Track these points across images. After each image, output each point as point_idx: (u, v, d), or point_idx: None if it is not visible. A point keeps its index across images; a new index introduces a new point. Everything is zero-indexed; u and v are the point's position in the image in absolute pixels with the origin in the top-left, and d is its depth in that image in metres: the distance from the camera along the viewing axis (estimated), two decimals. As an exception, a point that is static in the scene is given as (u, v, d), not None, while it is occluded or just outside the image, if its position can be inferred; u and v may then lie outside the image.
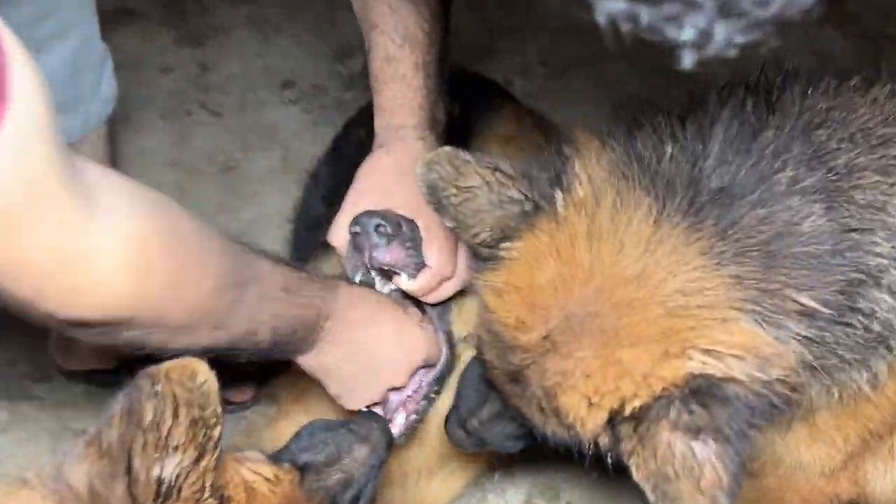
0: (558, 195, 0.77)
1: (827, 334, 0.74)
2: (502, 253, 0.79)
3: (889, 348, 0.79)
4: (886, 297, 0.76)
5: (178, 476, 0.62)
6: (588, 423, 0.74)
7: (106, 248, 0.63)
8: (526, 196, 0.79)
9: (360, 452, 0.83)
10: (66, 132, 1.14)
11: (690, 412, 0.68)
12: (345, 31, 2.20)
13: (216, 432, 0.63)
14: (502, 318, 0.79)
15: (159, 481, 0.60)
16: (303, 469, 0.76)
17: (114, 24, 2.08)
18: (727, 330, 0.71)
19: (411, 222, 1.03)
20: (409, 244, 1.02)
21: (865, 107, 0.81)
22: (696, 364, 0.70)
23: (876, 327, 0.77)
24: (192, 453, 0.62)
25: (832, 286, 0.73)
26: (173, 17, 2.10)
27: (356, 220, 1.00)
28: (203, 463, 0.63)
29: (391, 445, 0.91)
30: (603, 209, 0.74)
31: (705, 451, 0.67)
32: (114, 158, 1.46)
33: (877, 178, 0.75)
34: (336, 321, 0.93)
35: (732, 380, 0.69)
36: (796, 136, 0.76)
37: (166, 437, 0.60)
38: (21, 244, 0.58)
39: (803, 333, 0.73)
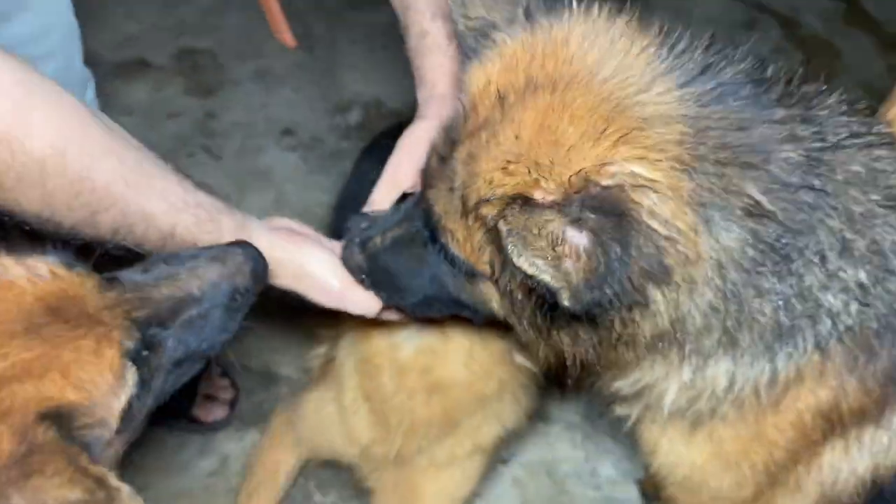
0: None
1: (759, 268, 0.76)
2: (494, 37, 0.84)
3: (797, 346, 0.82)
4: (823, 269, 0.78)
5: None
6: (495, 190, 0.74)
7: None
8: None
9: (209, 271, 0.76)
10: None
11: (585, 211, 0.68)
12: (344, 86, 2.33)
13: None
14: (474, 83, 0.82)
15: None
16: (112, 279, 0.70)
17: (129, 74, 2.25)
18: (663, 170, 0.71)
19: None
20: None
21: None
22: (617, 168, 0.70)
23: (798, 306, 0.79)
24: None
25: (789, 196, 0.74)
26: (186, 68, 2.26)
27: (349, 219, 1.00)
28: None
29: (262, 272, 0.85)
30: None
31: (580, 239, 0.68)
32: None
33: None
34: None
35: (639, 206, 0.69)
36: None
37: None
38: None
39: (738, 236, 0.74)
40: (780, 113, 0.79)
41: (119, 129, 0.88)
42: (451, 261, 0.85)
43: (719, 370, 0.84)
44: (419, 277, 0.91)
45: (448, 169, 0.82)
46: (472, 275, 0.85)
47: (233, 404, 1.56)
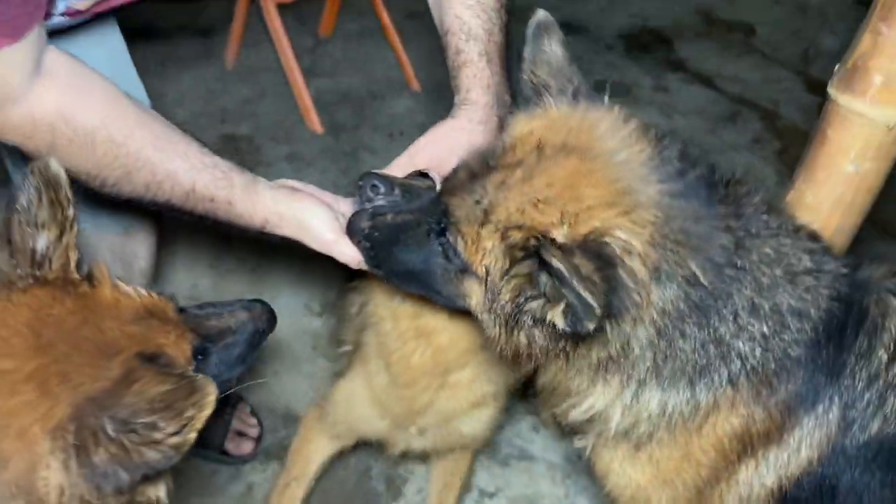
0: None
1: (687, 319, 0.97)
2: (546, 99, 1.07)
3: (713, 381, 1.02)
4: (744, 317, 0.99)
5: (47, 249, 0.81)
6: (525, 219, 0.94)
7: (18, 102, 0.96)
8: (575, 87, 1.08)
9: (241, 315, 1.03)
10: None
11: (591, 257, 0.89)
12: (364, 167, 2.62)
13: (70, 212, 0.82)
14: (518, 128, 1.04)
15: (33, 252, 0.80)
16: (182, 309, 0.93)
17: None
18: (642, 242, 0.93)
19: (423, 192, 1.16)
20: (399, 197, 1.14)
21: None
22: (620, 233, 0.92)
23: (713, 349, 1.00)
24: (55, 230, 0.82)
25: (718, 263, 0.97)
26: (228, 151, 2.57)
27: (361, 176, 1.15)
28: (65, 240, 0.81)
29: (274, 323, 1.09)
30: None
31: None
32: (163, 256, 1.84)
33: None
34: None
35: (623, 262, 0.91)
36: None
37: (35, 216, 0.80)
38: None
39: (676, 294, 0.96)
40: (721, 210, 1.02)
41: (150, 109, 1.09)
42: (449, 256, 1.04)
43: (653, 396, 1.05)
44: (413, 257, 1.07)
45: (477, 186, 1.00)
46: (463, 271, 1.04)
47: (258, 440, 1.78)
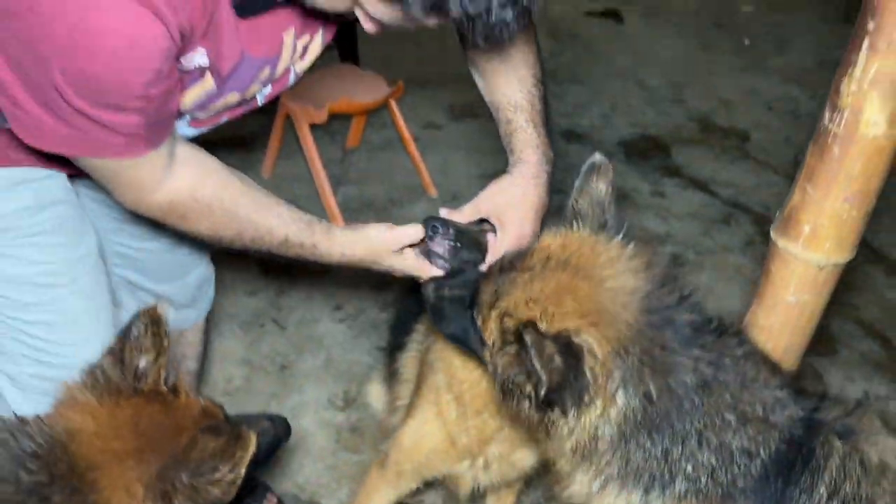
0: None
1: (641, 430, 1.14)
2: (577, 221, 1.28)
3: (664, 489, 1.17)
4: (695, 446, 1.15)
5: (147, 367, 1.07)
6: (517, 312, 1.15)
7: (158, 190, 1.23)
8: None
9: (265, 424, 1.25)
10: (188, 320, 1.78)
11: (561, 349, 1.09)
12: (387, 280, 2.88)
13: (165, 343, 1.07)
14: (544, 240, 1.26)
15: (136, 369, 1.06)
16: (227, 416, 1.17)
17: (217, 259, 2.83)
18: (604, 352, 1.11)
19: (477, 236, 1.44)
20: (457, 244, 1.41)
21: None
22: (585, 336, 1.11)
23: (662, 463, 1.15)
24: (153, 355, 1.07)
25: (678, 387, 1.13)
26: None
27: (425, 219, 1.42)
28: (160, 361, 1.07)
29: (289, 434, 1.32)
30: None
31: (558, 363, 1.08)
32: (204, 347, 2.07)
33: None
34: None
35: (586, 359, 1.10)
36: None
37: (141, 343, 1.07)
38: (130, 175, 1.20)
39: (637, 405, 1.13)
40: (696, 353, 1.17)
41: (248, 179, 1.36)
42: (476, 327, 1.26)
43: (617, 493, 1.23)
44: (458, 323, 1.32)
45: (501, 277, 1.22)
46: (482, 342, 1.25)
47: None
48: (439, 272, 1.43)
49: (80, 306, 1.41)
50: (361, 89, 3.15)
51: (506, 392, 1.21)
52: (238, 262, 2.82)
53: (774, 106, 4.23)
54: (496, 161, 3.50)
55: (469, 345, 1.33)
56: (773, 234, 1.30)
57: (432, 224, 1.41)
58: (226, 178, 1.31)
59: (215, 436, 1.01)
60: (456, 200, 3.29)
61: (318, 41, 1.40)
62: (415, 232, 1.41)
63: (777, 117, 4.11)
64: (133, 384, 1.05)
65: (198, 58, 1.16)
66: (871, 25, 1.06)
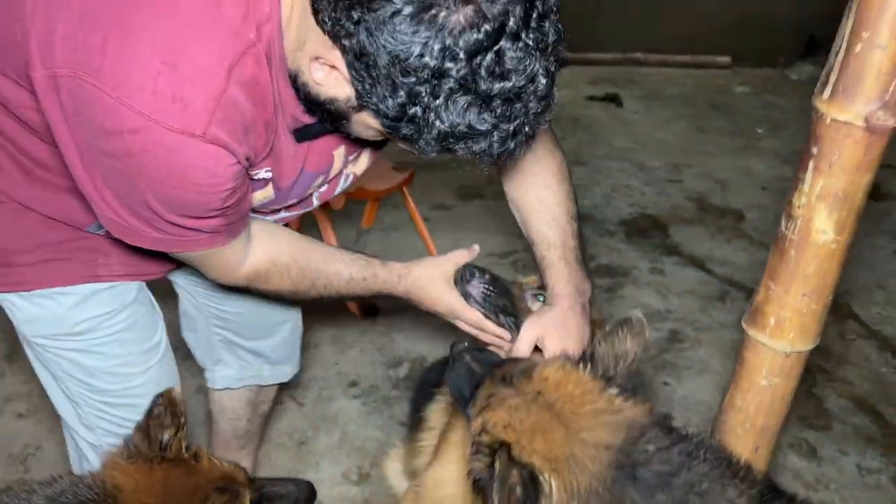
0: None
1: None
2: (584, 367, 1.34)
3: None
4: None
5: (169, 440, 1.28)
6: (495, 429, 1.24)
7: (243, 265, 1.44)
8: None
9: (290, 487, 1.47)
10: (284, 375, 2.14)
11: (519, 476, 1.18)
12: (398, 346, 3.04)
13: (182, 420, 1.28)
14: (546, 368, 1.33)
15: (161, 441, 1.27)
16: (252, 480, 1.35)
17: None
18: (568, 494, 1.19)
19: (510, 287, 1.62)
20: (491, 291, 1.56)
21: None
22: (547, 476, 1.19)
23: None
24: (173, 429, 1.28)
25: None
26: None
27: (464, 265, 1.60)
28: (179, 435, 1.27)
29: (314, 498, 1.48)
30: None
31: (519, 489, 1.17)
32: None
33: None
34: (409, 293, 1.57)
35: (546, 495, 1.18)
36: None
37: (163, 420, 1.28)
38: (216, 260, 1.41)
39: None
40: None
41: (310, 237, 1.57)
42: (472, 403, 1.35)
43: None
44: (462, 383, 1.43)
45: (500, 386, 1.30)
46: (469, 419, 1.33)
47: None
48: (477, 314, 1.57)
49: (149, 389, 1.57)
50: (376, 177, 3.37)
51: (473, 484, 1.31)
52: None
53: (768, 186, 4.42)
54: (501, 240, 3.73)
55: (464, 408, 1.41)
56: (744, 325, 1.46)
57: (470, 268, 1.58)
58: (294, 240, 1.52)
59: (222, 493, 1.27)
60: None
61: (364, 156, 1.59)
62: (463, 252, 1.63)
63: (770, 197, 4.30)
64: (159, 454, 1.27)
65: (262, 173, 1.36)
66: (814, 150, 1.25)
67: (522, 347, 1.58)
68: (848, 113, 1.18)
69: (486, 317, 1.59)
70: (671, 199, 4.23)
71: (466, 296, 1.58)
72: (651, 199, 4.23)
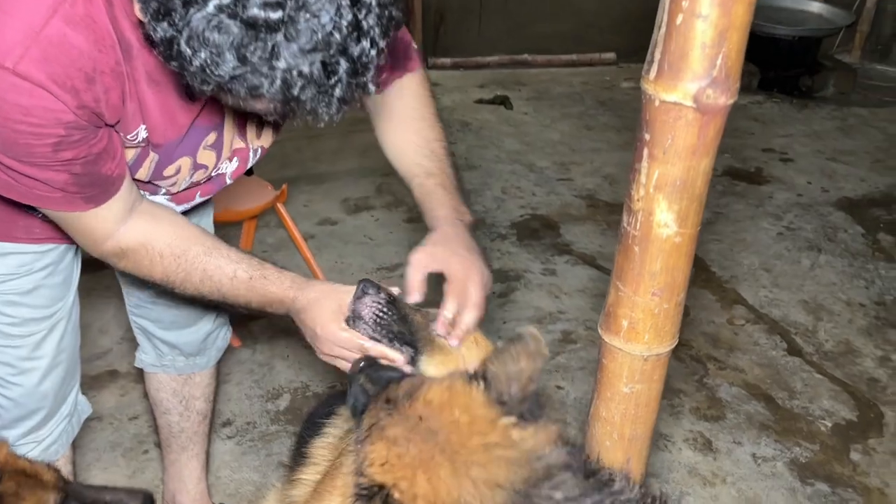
0: None
1: None
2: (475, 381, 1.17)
3: None
4: None
5: None
6: (373, 466, 1.08)
7: (109, 239, 1.35)
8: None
9: (121, 494, 1.26)
10: (197, 366, 2.06)
11: None
12: (279, 376, 2.83)
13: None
14: (431, 390, 1.15)
15: None
16: (66, 481, 1.19)
17: (101, 383, 2.74)
18: None
19: (410, 312, 1.37)
20: (385, 314, 1.34)
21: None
22: None
23: None
24: None
25: None
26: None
27: (360, 280, 1.36)
28: None
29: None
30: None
31: None
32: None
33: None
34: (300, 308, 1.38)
35: None
36: None
37: None
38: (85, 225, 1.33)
39: None
40: None
41: (206, 230, 1.46)
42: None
43: None
44: (357, 400, 1.26)
45: (383, 414, 1.13)
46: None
47: None
48: (370, 351, 1.34)
49: (29, 353, 1.59)
50: (244, 195, 3.16)
51: None
52: (119, 388, 2.73)
53: (656, 178, 4.44)
54: (390, 252, 3.57)
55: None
56: (599, 330, 1.35)
57: (365, 284, 1.35)
58: (178, 226, 1.40)
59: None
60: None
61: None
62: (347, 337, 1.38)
63: (659, 188, 4.31)
64: None
65: (142, 132, 1.28)
66: (646, 136, 1.14)
67: (413, 283, 1.42)
68: (676, 92, 1.08)
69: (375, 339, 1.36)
70: (561, 198, 4.18)
71: (354, 317, 1.35)
72: (542, 199, 4.17)
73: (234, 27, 0.99)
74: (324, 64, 1.04)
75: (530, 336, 1.24)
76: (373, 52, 1.07)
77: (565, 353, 2.97)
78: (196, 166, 1.46)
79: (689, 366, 2.93)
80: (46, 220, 1.42)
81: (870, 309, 3.26)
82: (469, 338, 1.43)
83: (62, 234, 1.44)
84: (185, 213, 1.60)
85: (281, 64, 1.02)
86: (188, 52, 1.01)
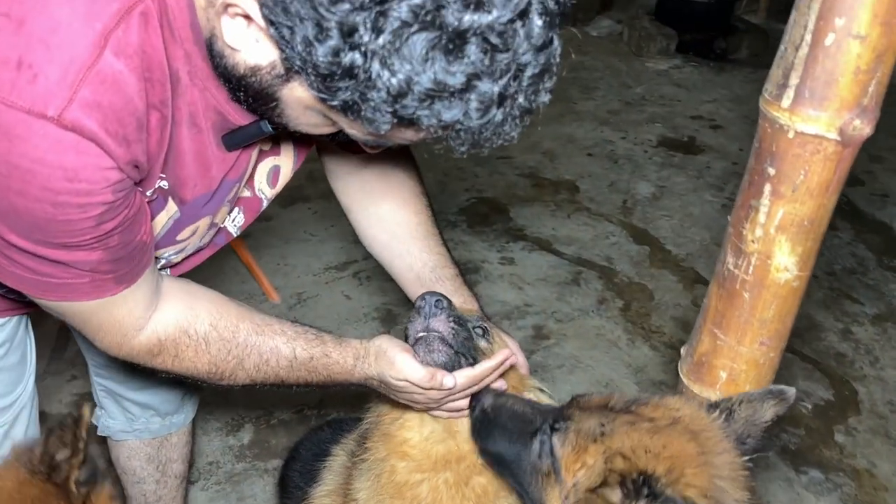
0: None
1: None
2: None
3: None
4: None
5: (62, 461, 1.02)
6: (637, 460, 1.00)
7: (143, 331, 1.10)
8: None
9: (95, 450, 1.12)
10: (175, 425, 1.75)
11: None
12: (236, 405, 2.54)
13: (81, 445, 1.02)
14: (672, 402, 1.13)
15: (52, 459, 1.02)
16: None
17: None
18: None
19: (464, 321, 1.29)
20: (456, 322, 1.25)
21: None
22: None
23: None
24: (68, 452, 1.01)
25: None
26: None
27: (422, 295, 1.26)
28: (74, 461, 1.02)
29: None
30: None
31: None
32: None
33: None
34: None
35: None
36: None
37: (63, 438, 1.02)
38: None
39: None
40: None
41: (247, 305, 1.23)
42: (542, 455, 1.10)
43: None
44: (509, 445, 1.16)
45: (608, 415, 1.08)
46: (548, 474, 1.09)
47: None
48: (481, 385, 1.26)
49: None
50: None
51: None
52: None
53: (593, 152, 4.35)
54: (336, 248, 3.29)
55: (511, 469, 1.17)
56: (685, 380, 1.20)
57: (432, 296, 1.25)
58: (220, 304, 1.17)
59: None
60: (303, 303, 3.01)
61: (287, 164, 1.25)
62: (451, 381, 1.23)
63: (597, 163, 4.23)
64: (45, 471, 1.04)
65: (158, 183, 1.04)
66: (770, 170, 0.97)
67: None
68: (818, 123, 0.92)
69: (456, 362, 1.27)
70: (505, 178, 4.02)
71: (428, 336, 1.24)
72: (485, 180, 3.99)
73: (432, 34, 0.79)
74: (531, 76, 0.85)
75: (788, 395, 1.15)
76: (558, 49, 0.87)
77: (541, 351, 2.83)
78: (211, 226, 1.22)
79: (665, 354, 2.87)
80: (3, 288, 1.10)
81: (822, 280, 3.31)
82: (500, 340, 1.41)
83: (20, 302, 1.13)
84: None
85: (493, 88, 0.83)
86: (385, 74, 0.80)
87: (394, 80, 0.80)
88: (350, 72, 0.80)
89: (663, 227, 3.63)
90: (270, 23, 0.82)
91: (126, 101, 0.88)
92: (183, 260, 1.26)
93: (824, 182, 0.96)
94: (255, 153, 1.17)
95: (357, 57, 0.79)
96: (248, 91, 0.94)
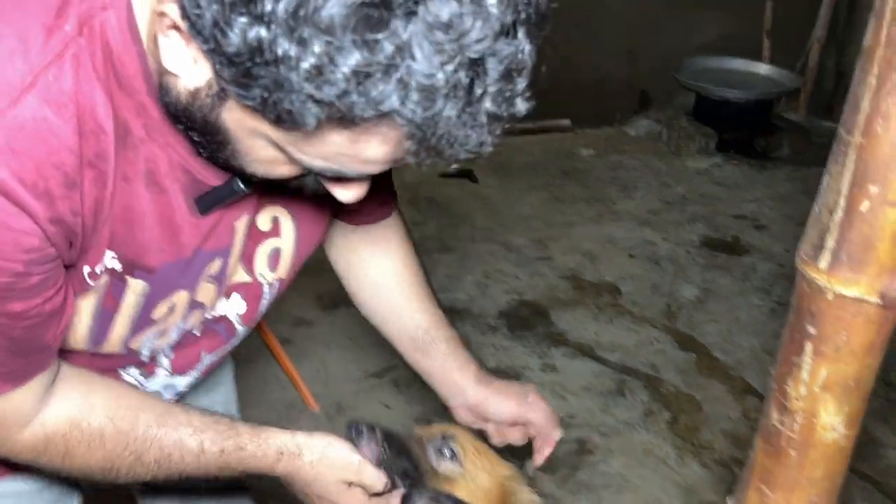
0: None
1: None
2: None
3: None
4: None
5: None
6: None
7: (27, 426, 0.99)
8: None
9: None
10: None
11: None
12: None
13: None
14: None
15: None
16: None
17: None
18: None
19: (406, 442, 1.30)
20: (385, 450, 1.24)
21: None
22: None
23: None
24: None
25: None
26: None
27: (348, 423, 1.25)
28: None
29: None
30: None
31: None
32: None
33: None
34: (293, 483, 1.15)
35: None
36: None
37: None
38: None
39: None
40: None
41: (152, 394, 1.15)
42: None
43: None
44: None
45: None
46: None
47: None
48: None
49: None
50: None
51: None
52: None
53: (634, 253, 4.34)
54: (376, 354, 3.30)
55: None
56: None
57: (357, 427, 1.26)
58: (119, 393, 1.07)
59: None
60: (341, 413, 3.00)
61: (287, 246, 1.17)
62: (380, 476, 1.19)
63: (639, 265, 4.21)
64: None
65: (106, 260, 0.95)
66: (811, 330, 0.96)
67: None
68: (858, 287, 0.90)
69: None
70: (545, 280, 4.02)
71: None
72: (525, 282, 3.99)
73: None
74: (472, 63, 0.74)
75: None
76: (528, 49, 0.79)
77: (585, 469, 2.75)
78: (192, 304, 1.12)
79: (716, 471, 2.76)
80: None
81: (879, 390, 3.17)
82: (482, 460, 1.42)
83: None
84: (193, 393, 1.32)
85: (419, 65, 0.72)
86: (293, 50, 0.69)
87: (305, 54, 0.69)
88: (258, 50, 0.70)
89: (710, 333, 3.56)
90: (187, 18, 0.74)
91: (50, 152, 0.79)
92: (177, 352, 1.18)
93: (867, 343, 0.94)
94: (240, 225, 1.08)
95: (262, 31, 0.69)
96: (194, 124, 0.85)
